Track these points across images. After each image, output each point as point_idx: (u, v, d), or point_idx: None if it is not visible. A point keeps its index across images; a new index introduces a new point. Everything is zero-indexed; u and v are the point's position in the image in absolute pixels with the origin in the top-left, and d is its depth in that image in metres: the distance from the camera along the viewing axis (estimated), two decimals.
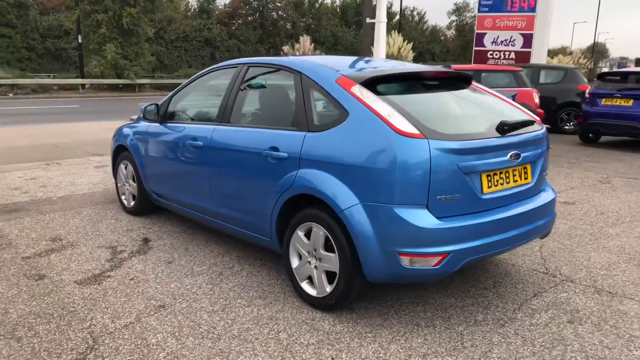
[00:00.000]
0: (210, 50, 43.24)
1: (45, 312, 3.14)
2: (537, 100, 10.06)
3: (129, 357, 2.68)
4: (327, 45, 48.94)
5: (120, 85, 29.75)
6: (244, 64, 3.98)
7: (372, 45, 12.88)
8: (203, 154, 3.95)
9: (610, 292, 3.52)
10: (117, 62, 28.84)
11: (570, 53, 37.21)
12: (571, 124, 12.12)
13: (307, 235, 3.25)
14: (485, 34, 16.98)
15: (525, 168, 3.25)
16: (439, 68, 4.11)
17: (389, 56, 20.36)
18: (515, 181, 3.17)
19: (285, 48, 29.53)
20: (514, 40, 16.28)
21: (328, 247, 3.11)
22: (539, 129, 3.42)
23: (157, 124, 4.62)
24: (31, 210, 5.29)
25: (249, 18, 47.92)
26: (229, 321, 3.07)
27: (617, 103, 9.57)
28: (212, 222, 4.10)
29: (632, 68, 11.47)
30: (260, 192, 3.50)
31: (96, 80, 28.95)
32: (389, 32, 21.78)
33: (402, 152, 2.75)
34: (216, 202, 3.94)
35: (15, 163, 7.88)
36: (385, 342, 2.86)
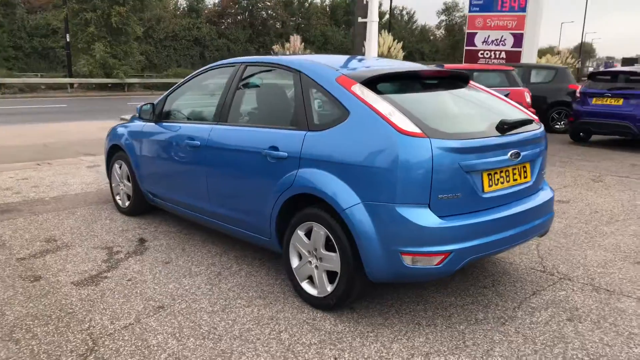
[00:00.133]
0: (199, 49, 43.08)
1: (43, 314, 3.10)
2: (528, 99, 10.12)
3: (130, 359, 2.65)
4: (317, 44, 48.94)
5: (109, 85, 29.52)
6: (242, 63, 3.95)
7: (364, 44, 12.89)
8: (200, 153, 3.92)
9: (607, 290, 3.54)
10: (106, 61, 28.62)
11: (558, 53, 37.51)
12: (562, 123, 12.21)
13: (307, 234, 3.24)
14: (476, 33, 17.06)
15: (524, 167, 3.26)
16: (434, 67, 4.12)
17: (379, 55, 20.38)
18: (515, 180, 3.18)
19: (276, 47, 29.49)
20: (505, 39, 16.39)
21: (329, 247, 3.10)
22: (537, 128, 3.44)
23: (153, 124, 4.59)
24: (24, 211, 5.22)
25: (239, 17, 47.81)
26: (230, 322, 3.05)
27: (608, 102, 9.66)
28: (210, 222, 4.07)
29: (623, 67, 11.57)
30: (259, 192, 3.48)
31: (85, 79, 28.71)
32: (378, 31, 21.84)
33: (404, 151, 2.75)
34: (214, 201, 3.91)
35: (5, 163, 7.79)
36: (388, 342, 2.85)
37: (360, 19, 12.95)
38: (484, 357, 2.71)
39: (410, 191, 2.77)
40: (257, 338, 2.87)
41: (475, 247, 2.89)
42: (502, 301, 3.36)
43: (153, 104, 4.61)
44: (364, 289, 3.12)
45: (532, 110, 9.61)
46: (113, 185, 5.30)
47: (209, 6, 47.17)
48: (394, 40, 23.81)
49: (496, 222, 2.98)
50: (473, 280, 3.68)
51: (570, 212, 5.44)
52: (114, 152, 5.22)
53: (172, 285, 3.54)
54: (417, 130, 2.79)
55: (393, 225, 2.79)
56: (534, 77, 12.42)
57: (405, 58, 26.51)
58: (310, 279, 3.27)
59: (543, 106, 11.98)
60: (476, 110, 3.47)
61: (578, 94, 10.32)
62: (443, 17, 61.10)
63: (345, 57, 4.08)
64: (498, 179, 3.05)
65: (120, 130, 5.12)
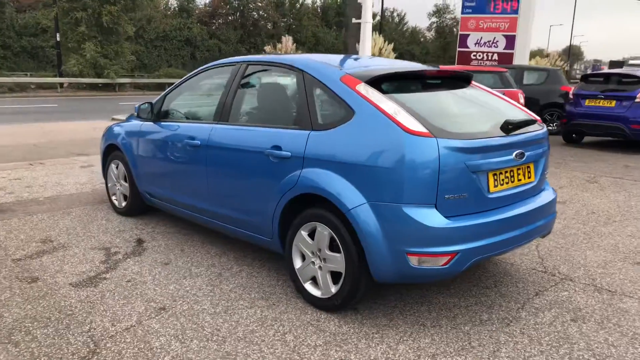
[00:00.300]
0: (190, 49, 42.87)
1: (42, 316, 3.04)
2: (522, 100, 10.16)
3: None
4: (308, 45, 48.90)
5: (100, 85, 29.30)
6: (243, 62, 3.91)
7: (357, 45, 12.89)
8: (201, 153, 3.88)
9: (609, 291, 3.55)
10: (97, 61, 28.40)
11: (547, 55, 37.78)
12: (554, 124, 12.27)
13: (311, 235, 3.21)
14: (468, 35, 17.12)
15: (528, 167, 3.25)
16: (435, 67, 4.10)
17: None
18: (519, 180, 3.18)
19: (268, 48, 29.39)
20: (497, 41, 16.45)
21: (333, 247, 3.07)
22: (540, 129, 3.44)
23: (151, 123, 4.53)
24: (18, 211, 5.15)
25: (230, 18, 47.65)
26: (233, 323, 3.01)
27: (600, 104, 9.73)
28: (210, 222, 4.02)
29: (615, 70, 11.67)
30: (261, 192, 3.45)
31: (75, 79, 28.46)
32: None
33: (411, 150, 2.73)
34: (214, 202, 3.87)
35: None
36: (393, 343, 2.83)
37: (354, 20, 12.95)
38: (491, 358, 2.69)
39: (417, 191, 2.75)
40: (261, 340, 2.84)
41: (481, 247, 2.87)
42: (505, 302, 3.36)
43: (151, 103, 4.56)
44: (368, 289, 3.09)
45: None
46: (109, 185, 5.24)
47: (200, 6, 47.00)
48: (384, 41, 23.84)
49: (502, 223, 2.97)
50: (475, 281, 3.67)
51: (567, 212, 5.46)
52: (110, 151, 5.15)
53: (172, 286, 3.50)
54: (423, 129, 2.77)
55: (399, 225, 2.77)
56: (527, 79, 12.48)
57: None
58: (314, 280, 3.24)
59: (535, 108, 12.02)
60: (480, 110, 3.46)
61: (571, 96, 10.38)
62: (434, 19, 61.28)
63: (346, 56, 4.06)
64: (503, 179, 3.04)
65: (117, 129, 5.06)
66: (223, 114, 3.84)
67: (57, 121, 14.26)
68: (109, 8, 28.36)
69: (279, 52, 25.92)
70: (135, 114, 4.74)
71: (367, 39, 12.26)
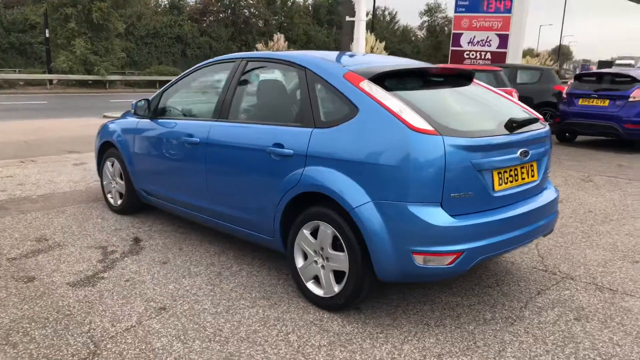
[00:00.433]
0: (181, 47, 42.64)
1: (40, 316, 2.98)
2: (516, 99, 10.18)
3: None
4: (300, 43, 48.81)
5: (90, 82, 29.05)
6: (242, 58, 3.87)
7: (351, 43, 12.88)
8: (200, 150, 3.83)
9: (611, 289, 3.54)
10: (87, 57, 28.15)
11: (537, 55, 37.98)
12: (548, 123, 12.32)
13: (313, 234, 3.17)
14: (461, 34, 17.15)
15: (532, 165, 3.24)
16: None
17: None
18: (523, 179, 3.16)
19: (259, 46, 29.32)
20: (490, 40, 16.50)
21: (336, 246, 3.04)
22: (542, 127, 3.43)
23: (148, 120, 4.47)
24: (11, 209, 5.06)
25: (221, 15, 47.43)
26: (235, 323, 2.97)
27: (594, 103, 9.77)
28: (209, 220, 3.97)
29: (609, 69, 11.72)
30: (262, 190, 3.41)
31: (64, 75, 28.19)
32: None
33: (416, 148, 2.70)
34: (214, 200, 3.82)
35: None
36: (398, 343, 2.80)
37: (348, 18, 12.94)
38: (497, 358, 2.68)
39: (422, 190, 2.73)
40: (264, 340, 2.80)
41: (487, 246, 2.85)
42: (508, 301, 3.34)
43: (148, 99, 4.50)
44: (372, 289, 3.06)
45: None
46: (104, 183, 5.16)
47: (191, 3, 46.73)
48: (376, 40, 23.85)
49: (506, 222, 2.95)
50: (477, 280, 3.65)
51: (564, 211, 5.46)
52: (106, 149, 5.08)
53: (172, 285, 3.45)
54: (429, 127, 2.74)
55: (405, 224, 2.75)
56: (520, 78, 12.51)
57: None
58: (316, 279, 3.21)
59: (529, 106, 12.05)
60: (483, 108, 3.44)
61: (565, 95, 10.42)
62: (425, 18, 61.38)
63: (346, 53, 4.03)
64: (508, 178, 3.03)
65: (112, 126, 4.99)
66: (222, 111, 3.79)
67: (48, 118, 14.09)
68: (99, 4, 28.12)
69: (271, 50, 25.86)
70: (132, 110, 4.67)
71: (362, 37, 12.25)
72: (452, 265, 2.78)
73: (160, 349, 2.68)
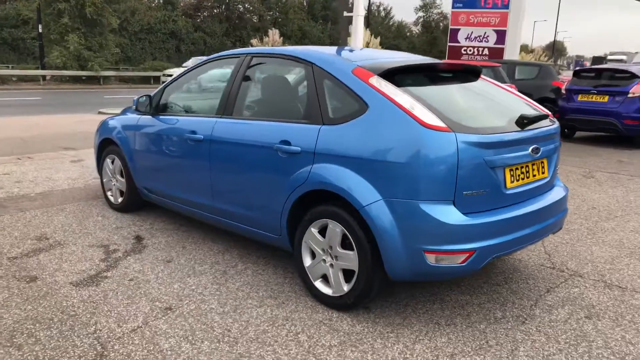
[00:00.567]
0: (175, 42, 42.33)
1: (44, 317, 2.92)
2: None
3: None
4: (294, 39, 48.62)
5: (84, 77, 28.81)
6: (247, 54, 3.81)
7: (349, 38, 12.81)
8: (203, 147, 3.77)
9: (620, 287, 3.52)
10: (81, 53, 27.90)
11: (532, 51, 38.01)
12: None
13: (321, 232, 3.13)
14: (459, 29, 17.10)
15: (542, 162, 3.20)
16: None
17: None
18: (534, 175, 3.12)
19: (254, 42, 29.19)
20: (488, 36, 16.46)
21: (345, 245, 2.99)
22: (552, 124, 3.39)
23: (150, 117, 4.40)
24: (9, 208, 4.98)
25: (215, 10, 47.17)
26: (243, 323, 2.92)
27: (593, 99, 9.76)
28: (212, 218, 3.92)
29: (608, 65, 11.74)
30: (269, 188, 3.35)
31: (58, 71, 27.94)
32: None
33: (428, 145, 2.66)
34: (218, 198, 3.76)
35: None
36: (410, 342, 2.77)
37: (345, 13, 12.87)
38: (510, 358, 2.64)
39: (434, 187, 2.68)
40: (274, 340, 2.76)
41: (499, 245, 2.82)
42: (517, 299, 3.31)
43: (150, 95, 4.43)
44: (382, 288, 3.02)
45: None
46: (104, 180, 5.09)
47: None
48: (371, 35, 23.81)
49: (518, 219, 2.92)
50: (485, 278, 3.62)
51: (568, 208, 5.42)
52: (105, 146, 5.00)
53: (177, 285, 3.39)
54: (441, 124, 2.70)
55: (416, 222, 2.70)
56: (519, 74, 12.50)
57: None
58: (324, 278, 3.16)
59: None
60: (493, 104, 3.40)
61: (564, 91, 10.40)
62: (421, 14, 61.25)
63: (351, 48, 3.97)
64: (519, 175, 2.99)
65: (112, 123, 4.92)
66: (227, 108, 3.73)
67: (43, 114, 13.95)
68: None
69: (267, 45, 25.76)
70: (134, 107, 4.60)
71: (360, 32, 12.18)
72: (464, 264, 2.74)
73: (168, 350, 2.64)
